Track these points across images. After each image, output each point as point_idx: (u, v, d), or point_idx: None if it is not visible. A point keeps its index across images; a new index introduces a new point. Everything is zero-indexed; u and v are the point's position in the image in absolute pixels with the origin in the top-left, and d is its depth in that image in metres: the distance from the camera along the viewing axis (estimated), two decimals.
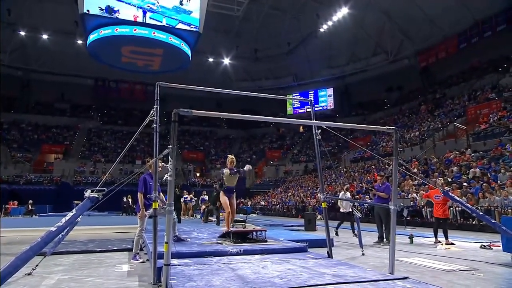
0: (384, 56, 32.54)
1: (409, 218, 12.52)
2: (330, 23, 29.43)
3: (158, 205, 4.03)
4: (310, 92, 38.09)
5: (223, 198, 6.42)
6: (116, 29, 18.12)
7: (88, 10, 16.96)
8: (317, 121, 5.11)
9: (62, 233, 2.93)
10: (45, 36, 30.56)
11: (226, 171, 6.39)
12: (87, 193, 3.17)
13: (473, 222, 10.65)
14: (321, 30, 30.67)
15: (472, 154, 15.93)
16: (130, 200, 23.43)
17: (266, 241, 5.98)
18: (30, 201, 21.48)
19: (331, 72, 37.18)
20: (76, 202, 22.47)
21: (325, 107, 38.02)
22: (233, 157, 6.65)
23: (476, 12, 24.32)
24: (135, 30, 18.32)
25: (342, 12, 27.60)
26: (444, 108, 25.53)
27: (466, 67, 27.34)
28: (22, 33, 30.17)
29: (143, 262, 5.28)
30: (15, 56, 32.18)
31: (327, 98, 38.23)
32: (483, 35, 24.37)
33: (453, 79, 28.30)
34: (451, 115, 23.52)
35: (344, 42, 32.75)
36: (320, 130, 5.37)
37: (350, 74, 35.94)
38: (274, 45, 35.44)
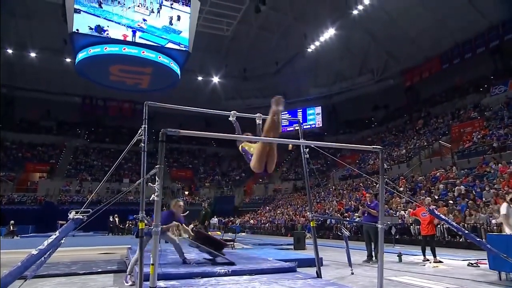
0: (370, 75, 33.30)
1: (397, 236, 12.54)
2: (317, 43, 30.09)
3: (145, 224, 3.97)
4: (298, 111, 38.49)
5: (263, 147, 4.08)
6: (105, 48, 18.14)
7: (77, 29, 16.99)
8: (305, 141, 5.17)
9: (45, 256, 2.84)
10: (32, 54, 30.39)
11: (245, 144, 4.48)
12: (71, 215, 3.10)
13: (460, 240, 10.73)
14: (309, 50, 31.30)
15: (457, 172, 16.20)
16: (116, 219, 22.99)
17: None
18: (12, 222, 20.75)
19: (318, 91, 37.77)
20: (60, 222, 21.85)
21: (313, 125, 38.40)
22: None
23: (456, 34, 25.23)
24: (124, 49, 18.37)
25: (329, 32, 28.29)
26: (429, 126, 26.06)
27: (449, 87, 28.14)
28: (9, 51, 29.93)
29: (132, 285, 5.13)
30: (1, 74, 31.73)
31: (315, 116, 38.66)
32: (464, 56, 25.22)
33: (437, 98, 29.04)
34: (436, 133, 24.01)
35: (331, 62, 33.44)
36: (308, 149, 5.42)
37: (337, 93, 36.56)
38: (263, 64, 35.96)
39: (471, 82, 26.32)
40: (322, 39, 29.36)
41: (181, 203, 6.44)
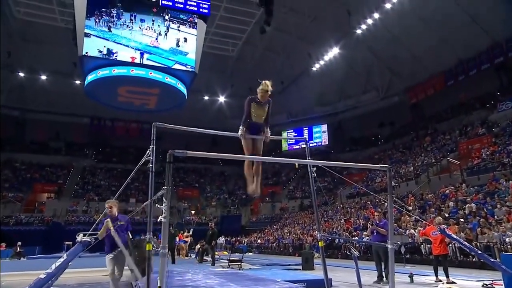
0: (375, 93, 33.42)
1: (408, 256, 12.26)
2: (321, 62, 30.41)
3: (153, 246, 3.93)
4: (304, 129, 38.56)
5: (246, 142, 4.67)
6: (114, 70, 18.52)
7: (87, 52, 17.41)
8: (312, 160, 5.15)
9: (52, 279, 2.82)
10: (43, 77, 31.15)
11: (252, 103, 4.75)
12: (79, 237, 3.09)
13: (474, 259, 10.43)
14: (313, 69, 31.62)
15: (466, 189, 15.96)
16: None
17: None
18: (19, 243, 20.70)
19: (324, 109, 37.91)
20: (67, 243, 21.80)
21: (319, 143, 38.34)
22: (269, 87, 4.82)
23: (460, 51, 25.38)
24: (132, 70, 18.74)
25: (333, 52, 28.62)
26: (437, 143, 25.88)
27: (454, 103, 28.06)
28: (21, 74, 30.73)
29: None
30: (13, 97, 32.58)
31: (321, 134, 38.65)
32: (469, 73, 25.24)
33: (443, 115, 28.93)
34: (443, 150, 23.80)
35: (336, 80, 33.68)
36: (315, 168, 5.40)
37: (343, 111, 36.66)
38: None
39: (477, 99, 26.23)
40: (326, 58, 29.69)
41: (110, 204, 5.30)
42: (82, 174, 36.03)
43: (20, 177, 32.95)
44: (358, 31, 25.99)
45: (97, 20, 17.40)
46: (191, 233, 19.65)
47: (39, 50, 29.31)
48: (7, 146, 35.14)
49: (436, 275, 7.65)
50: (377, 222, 8.41)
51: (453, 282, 7.20)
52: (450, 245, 10.61)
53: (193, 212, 35.01)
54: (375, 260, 8.01)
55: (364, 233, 15.12)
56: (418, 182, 21.63)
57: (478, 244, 10.37)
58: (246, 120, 4.62)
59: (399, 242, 11.57)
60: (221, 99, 36.73)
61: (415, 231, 13.58)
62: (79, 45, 17.31)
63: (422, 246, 12.44)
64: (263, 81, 4.78)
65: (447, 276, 7.35)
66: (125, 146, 39.03)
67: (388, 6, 22.89)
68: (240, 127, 4.58)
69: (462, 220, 12.48)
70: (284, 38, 30.31)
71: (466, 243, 5.55)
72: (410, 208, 16.21)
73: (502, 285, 5.68)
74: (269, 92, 4.73)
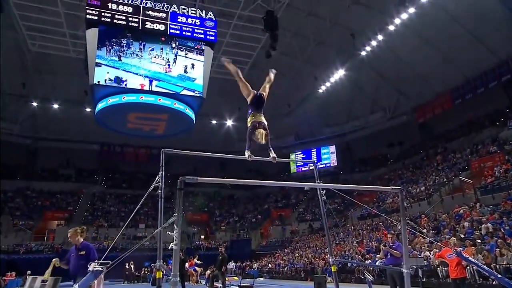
0: (382, 113, 33.41)
1: (424, 279, 11.88)
2: (327, 84, 30.65)
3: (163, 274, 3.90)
4: (312, 150, 38.46)
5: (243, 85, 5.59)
6: (124, 97, 18.91)
7: (98, 81, 17.86)
8: (322, 184, 5.13)
9: None
10: (55, 106, 31.88)
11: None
12: (91, 267, 3.08)
13: (494, 283, 10.06)
14: (320, 91, 31.85)
15: (481, 209, 15.58)
16: (132, 266, 22.63)
17: None
18: (29, 272, 20.60)
19: (331, 130, 37.91)
20: None
21: (328, 165, 38.09)
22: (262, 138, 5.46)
23: (466, 70, 25.46)
24: (141, 97, 19.11)
25: (339, 73, 28.88)
26: (448, 162, 25.54)
27: (463, 122, 27.89)
28: (34, 104, 31.59)
29: None
30: (26, 126, 33.40)
31: (329, 155, 38.45)
32: (476, 91, 25.23)
33: (452, 134, 28.70)
34: (455, 169, 23.44)
35: (342, 101, 33.84)
36: (325, 190, 5.37)
37: (350, 131, 36.59)
38: (275, 106, 36.53)
39: (486, 116, 26.05)
40: (332, 80, 29.94)
41: (71, 232, 5.24)
42: (92, 201, 36.14)
43: (31, 205, 33.16)
44: (363, 53, 26.29)
45: (108, 50, 17.95)
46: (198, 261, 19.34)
47: (51, 80, 30.19)
48: (19, 174, 35.71)
49: None
50: (391, 244, 8.20)
51: None
52: (468, 267, 10.27)
53: (202, 236, 34.67)
54: (390, 285, 7.75)
55: (377, 256, 14.74)
56: (431, 202, 21.22)
57: (497, 266, 10.03)
58: (249, 148, 5.16)
59: (414, 266, 11.25)
60: (229, 122, 37.04)
61: (430, 253, 13.21)
62: (90, 74, 17.80)
63: (438, 269, 12.06)
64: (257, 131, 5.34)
65: None
66: (134, 172, 39.28)
67: (391, 28, 23.22)
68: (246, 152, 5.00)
69: (478, 241, 12.12)
70: (290, 62, 30.76)
71: (484, 266, 5.37)
72: (424, 230, 15.84)
73: None
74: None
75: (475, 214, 15.24)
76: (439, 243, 10.71)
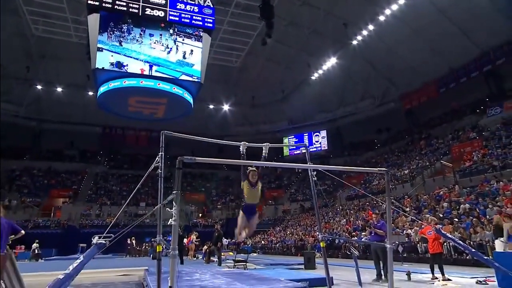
0: (372, 100, 33.43)
1: (405, 255, 12.17)
2: (320, 71, 30.49)
3: (163, 248, 3.95)
4: (304, 135, 38.53)
5: (241, 220, 4.94)
6: (124, 81, 18.62)
7: (100, 66, 17.55)
8: (312, 165, 5.16)
9: (69, 279, 2.84)
10: (59, 89, 31.46)
11: (245, 183, 4.78)
12: (95, 240, 3.11)
13: (467, 257, 10.35)
14: (313, 78, 31.69)
15: (460, 190, 15.86)
16: (134, 242, 22.87)
17: None
18: (36, 244, 20.83)
19: (323, 115, 37.92)
20: (81, 245, 21.88)
21: (319, 148, 38.26)
22: (255, 170, 4.77)
23: (451, 61, 25.42)
24: (141, 82, 18.84)
25: (331, 61, 28.70)
26: (430, 147, 25.80)
27: (446, 109, 28.03)
28: (39, 87, 31.12)
29: None
30: (31, 109, 33.02)
31: (321, 140, 38.58)
32: (459, 80, 25.28)
33: (436, 120, 28.90)
34: (437, 153, 23.72)
35: (334, 88, 33.73)
36: (316, 172, 5.41)
37: (341, 117, 36.66)
38: (270, 93, 36.47)
39: (468, 105, 26.21)
40: (325, 67, 29.77)
41: None
42: (95, 180, 36.16)
43: (37, 183, 33.14)
44: (355, 42, 26.10)
45: (109, 35, 17.55)
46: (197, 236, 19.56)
47: (55, 64, 29.69)
48: (25, 154, 35.50)
49: (432, 273, 7.58)
50: (375, 223, 8.38)
51: (448, 279, 7.14)
52: (445, 243, 10.54)
53: (200, 215, 34.97)
54: (374, 259, 7.96)
55: (363, 233, 15.04)
56: (414, 184, 21.55)
57: (471, 242, 10.29)
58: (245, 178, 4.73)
59: (397, 242, 11.51)
60: (225, 107, 36.86)
61: (411, 231, 13.50)
62: (92, 59, 17.46)
63: (418, 245, 12.36)
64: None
65: (443, 274, 7.29)
66: (135, 153, 39.19)
67: (382, 18, 22.99)
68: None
69: (456, 220, 12.40)
70: (285, 49, 30.46)
71: (460, 241, 5.52)
72: (407, 209, 16.13)
73: (495, 281, 5.64)
74: (257, 173, 4.77)
75: (453, 195, 15.53)
76: (420, 221, 10.93)
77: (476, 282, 6.74)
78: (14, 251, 20.60)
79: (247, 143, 5.02)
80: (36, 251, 20.20)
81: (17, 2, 22.23)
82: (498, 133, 20.01)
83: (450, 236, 5.64)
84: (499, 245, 6.31)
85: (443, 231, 6.60)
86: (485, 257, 5.28)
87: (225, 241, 24.39)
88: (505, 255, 5.62)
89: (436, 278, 7.34)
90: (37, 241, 20.51)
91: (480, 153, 19.02)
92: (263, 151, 5.15)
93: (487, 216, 11.64)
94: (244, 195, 4.84)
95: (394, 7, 21.78)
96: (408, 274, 7.74)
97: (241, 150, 5.00)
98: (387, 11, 22.30)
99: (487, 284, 6.48)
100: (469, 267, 9.74)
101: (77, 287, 7.02)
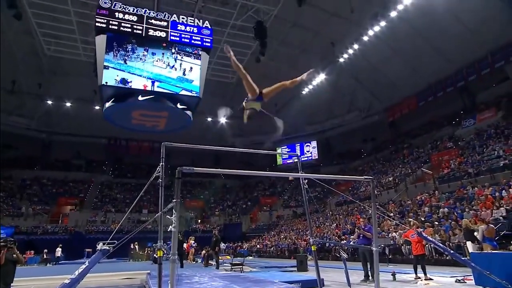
0: (358, 113, 33.72)
1: (390, 256, 12.15)
2: (310, 86, 30.75)
3: (164, 253, 3.92)
4: (296, 145, 38.59)
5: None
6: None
7: (106, 82, 17.55)
8: (304, 174, 5.19)
9: (75, 284, 2.81)
10: (68, 104, 31.43)
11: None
12: (99, 246, 3.09)
13: (447, 258, 10.37)
14: (303, 92, 31.94)
15: (439, 196, 15.96)
16: (136, 247, 22.54)
17: None
18: (45, 250, 20.57)
19: (313, 127, 38.10)
20: (87, 250, 21.55)
21: (310, 158, 38.30)
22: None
23: (428, 76, 25.82)
24: (144, 97, 18.84)
25: (320, 77, 28.99)
26: (412, 155, 25.99)
27: (426, 121, 28.36)
28: (49, 102, 31.10)
29: None
30: (41, 122, 32.90)
31: (311, 150, 38.67)
32: (437, 94, 25.66)
33: (416, 131, 29.19)
34: (418, 161, 23.90)
35: (323, 102, 33.98)
36: (307, 180, 5.43)
37: (330, 128, 36.85)
38: (264, 106, 36.54)
39: (445, 117, 26.56)
40: (314, 83, 30.04)
41: None
42: (101, 188, 35.78)
43: (46, 192, 32.75)
44: (341, 60, 26.42)
45: (115, 54, 17.61)
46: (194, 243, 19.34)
47: (65, 81, 29.70)
48: (36, 165, 35.17)
49: (416, 273, 7.58)
50: (363, 227, 8.38)
51: (430, 279, 7.14)
52: (427, 245, 10.54)
53: (199, 221, 34.64)
54: (362, 261, 7.95)
55: (351, 237, 14.99)
56: (397, 190, 21.63)
57: (450, 244, 10.32)
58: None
59: (382, 245, 11.50)
60: (223, 120, 36.94)
61: (396, 234, 13.49)
62: (99, 76, 17.45)
63: (403, 247, 12.34)
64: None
65: (425, 274, 7.29)
66: (138, 163, 38.93)
67: (365, 38, 23.38)
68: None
69: (436, 223, 12.44)
70: (277, 66, 30.70)
71: (440, 244, 5.54)
72: (391, 214, 16.15)
73: (472, 280, 5.65)
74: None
75: (434, 200, 15.61)
76: (403, 225, 10.95)
77: (456, 281, 6.76)
78: (24, 256, 20.41)
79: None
80: (45, 256, 20.21)
81: (31, 25, 22.41)
82: (472, 143, 20.27)
83: (430, 238, 5.67)
84: (470, 246, 6.41)
85: (424, 234, 6.62)
86: (463, 258, 5.29)
87: (223, 245, 24.17)
88: (480, 255, 5.65)
89: (419, 277, 7.34)
90: (45, 250, 20.56)
91: (457, 161, 19.21)
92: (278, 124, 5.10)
93: (465, 219, 11.69)
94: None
95: (376, 28, 22.20)
96: (393, 274, 7.73)
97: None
98: (370, 32, 22.70)
99: (465, 282, 6.50)
100: (449, 267, 9.74)
101: None
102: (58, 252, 20.86)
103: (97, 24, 17.03)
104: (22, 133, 30.99)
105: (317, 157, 38.19)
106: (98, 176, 36.94)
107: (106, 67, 17.76)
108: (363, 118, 33.17)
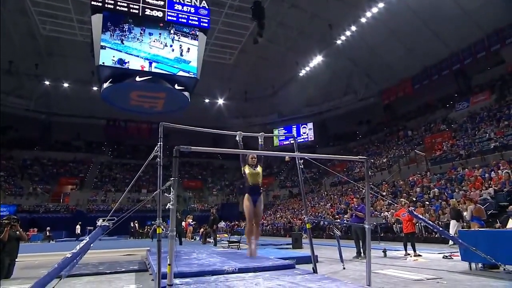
0: (354, 95, 33.52)
1: (382, 234, 12.42)
2: (307, 68, 30.42)
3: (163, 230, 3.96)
4: (293, 127, 38.55)
5: (247, 203, 4.99)
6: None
7: (103, 62, 17.20)
8: (300, 153, 5.19)
9: (77, 258, 2.84)
10: (66, 85, 30.94)
11: (246, 167, 5.00)
12: (99, 222, 3.11)
13: (436, 236, 10.62)
14: (300, 74, 31.62)
15: (431, 177, 16.14)
16: (136, 225, 22.85)
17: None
18: (48, 228, 20.82)
19: (310, 109, 37.94)
20: (89, 228, 21.84)
21: (306, 139, 38.35)
22: (255, 157, 5.03)
23: (424, 60, 25.54)
24: (141, 77, 18.53)
25: (317, 60, 28.64)
26: (406, 138, 26.09)
27: (420, 104, 28.29)
28: (47, 83, 30.56)
29: None
30: (40, 102, 32.43)
31: (308, 131, 38.66)
32: (432, 78, 25.47)
33: (411, 114, 29.17)
34: (412, 144, 24.01)
35: (320, 84, 33.67)
36: (302, 160, 5.44)
37: (326, 110, 36.71)
38: (261, 88, 36.28)
39: (439, 100, 26.51)
40: (311, 65, 29.70)
41: None
42: (100, 169, 35.84)
43: (47, 172, 32.79)
44: (339, 42, 26.02)
45: (112, 34, 17.16)
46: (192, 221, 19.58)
47: (62, 61, 29.13)
48: (36, 145, 34.99)
49: (405, 250, 7.78)
50: (356, 206, 8.51)
51: (419, 255, 7.34)
52: (417, 224, 10.77)
53: (197, 200, 35.02)
54: (354, 239, 8.11)
55: (345, 216, 15.26)
56: (391, 171, 21.84)
57: (440, 222, 10.54)
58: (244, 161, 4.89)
59: (374, 223, 11.71)
60: (220, 101, 36.63)
61: (388, 213, 13.73)
62: (96, 57, 17.07)
63: (394, 225, 12.60)
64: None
65: (415, 250, 7.48)
66: (137, 144, 38.85)
67: (363, 20, 22.93)
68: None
69: (427, 203, 12.65)
70: (275, 48, 30.21)
71: (430, 222, 5.65)
72: (384, 193, 16.38)
73: (459, 256, 5.81)
74: (255, 159, 5.04)
75: (425, 181, 15.80)
76: (395, 204, 11.12)
77: (443, 257, 6.94)
78: (28, 233, 20.69)
79: (242, 133, 5.03)
80: (48, 233, 20.52)
81: (26, 3, 21.67)
82: (464, 125, 20.33)
83: (421, 217, 5.76)
84: (452, 225, 6.61)
85: (415, 213, 6.74)
86: (451, 235, 5.42)
87: (222, 224, 24.53)
88: (467, 233, 5.78)
89: (409, 254, 7.53)
90: (48, 228, 21.10)
91: (449, 143, 19.33)
92: (259, 140, 5.19)
93: (454, 199, 11.90)
94: (247, 177, 4.94)
95: (374, 9, 21.73)
96: (384, 251, 7.92)
97: (237, 139, 4.99)
98: (368, 14, 22.24)
99: (452, 258, 6.68)
100: (437, 244, 10.00)
101: (85, 265, 7.02)
102: (78, 229, 21.56)
103: (92, 2, 16.47)
104: (22, 114, 30.71)
105: (313, 139, 38.24)
106: (97, 156, 36.94)
107: (103, 47, 17.34)
108: (359, 101, 33.01)
